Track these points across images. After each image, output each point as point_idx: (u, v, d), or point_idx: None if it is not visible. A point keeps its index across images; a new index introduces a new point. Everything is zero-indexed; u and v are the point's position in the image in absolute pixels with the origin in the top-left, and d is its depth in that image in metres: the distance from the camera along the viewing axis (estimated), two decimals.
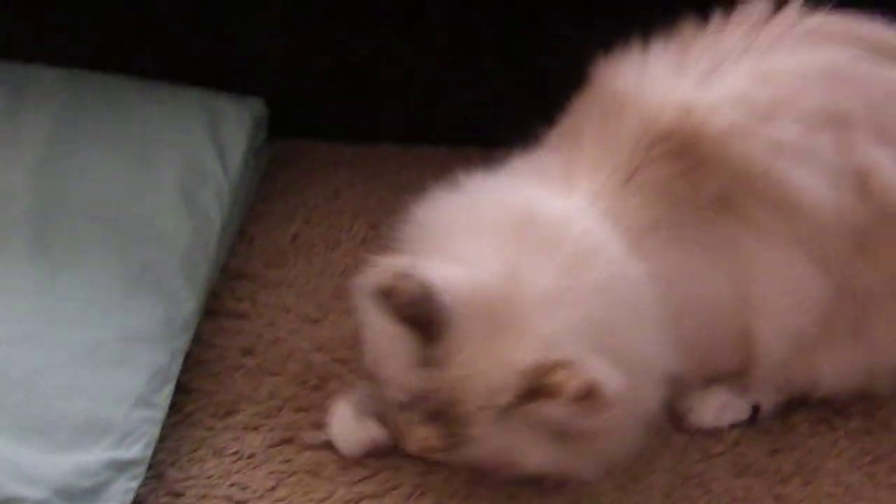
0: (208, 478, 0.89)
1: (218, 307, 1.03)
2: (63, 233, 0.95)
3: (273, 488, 0.88)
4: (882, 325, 0.86)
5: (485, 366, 0.76)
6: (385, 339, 0.80)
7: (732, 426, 0.93)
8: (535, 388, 0.75)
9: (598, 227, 0.81)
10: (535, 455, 0.79)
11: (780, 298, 0.82)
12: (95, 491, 0.79)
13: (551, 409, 0.75)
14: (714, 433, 0.93)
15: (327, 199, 1.17)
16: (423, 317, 0.76)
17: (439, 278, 0.76)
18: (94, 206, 0.98)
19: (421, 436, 0.80)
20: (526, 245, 0.79)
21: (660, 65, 0.85)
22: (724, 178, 0.80)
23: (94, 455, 0.80)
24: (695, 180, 0.81)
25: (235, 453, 0.91)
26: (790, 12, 0.85)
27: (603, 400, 0.73)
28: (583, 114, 0.88)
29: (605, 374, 0.74)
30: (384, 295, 0.75)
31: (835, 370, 0.88)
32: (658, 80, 0.83)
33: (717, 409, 0.92)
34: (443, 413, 0.78)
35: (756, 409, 0.93)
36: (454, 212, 0.84)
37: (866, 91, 0.81)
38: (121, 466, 0.81)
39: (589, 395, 0.73)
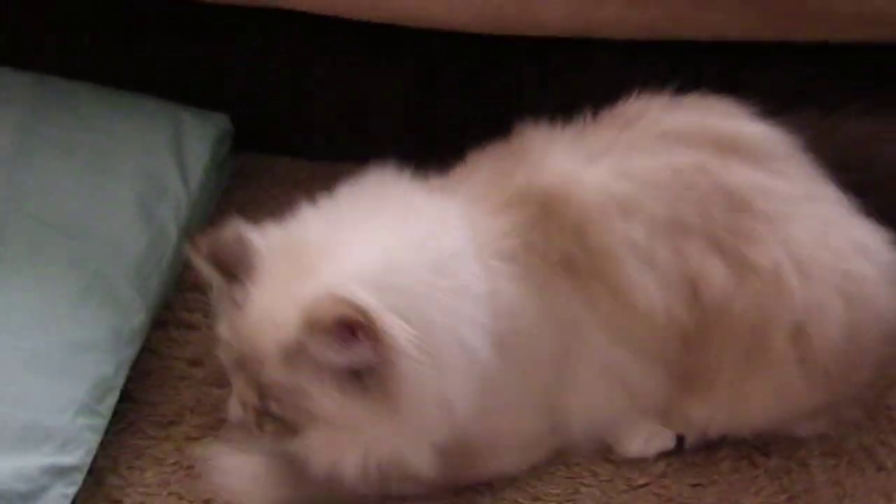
0: (147, 486, 0.91)
1: (169, 317, 1.05)
2: (18, 238, 0.97)
3: (209, 500, 0.91)
4: (722, 389, 0.90)
5: (276, 304, 0.79)
6: (216, 299, 0.83)
7: (659, 456, 0.96)
8: (309, 322, 0.76)
9: (455, 221, 0.85)
10: (325, 401, 0.79)
11: (592, 379, 0.87)
12: (32, 495, 0.81)
13: (321, 342, 0.76)
14: (639, 465, 0.96)
15: (286, 215, 1.20)
16: (231, 260, 0.80)
17: (255, 229, 0.82)
18: (52, 213, 1.00)
19: (237, 390, 0.82)
20: (372, 213, 0.83)
21: (562, 139, 0.90)
22: (575, 248, 0.85)
23: (34, 460, 0.82)
24: (548, 237, 0.85)
25: (175, 463, 0.93)
26: (654, 112, 0.90)
27: (372, 334, 0.74)
28: (490, 154, 0.93)
29: (387, 319, 0.75)
30: (198, 248, 0.81)
31: (699, 420, 0.93)
32: (555, 150, 0.89)
33: (643, 438, 0.96)
34: (245, 360, 0.80)
35: (681, 439, 0.97)
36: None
37: (705, 201, 0.86)
38: (59, 472, 0.84)
39: (353, 327, 0.74)
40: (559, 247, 0.85)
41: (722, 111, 0.91)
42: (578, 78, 1.16)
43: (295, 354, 0.78)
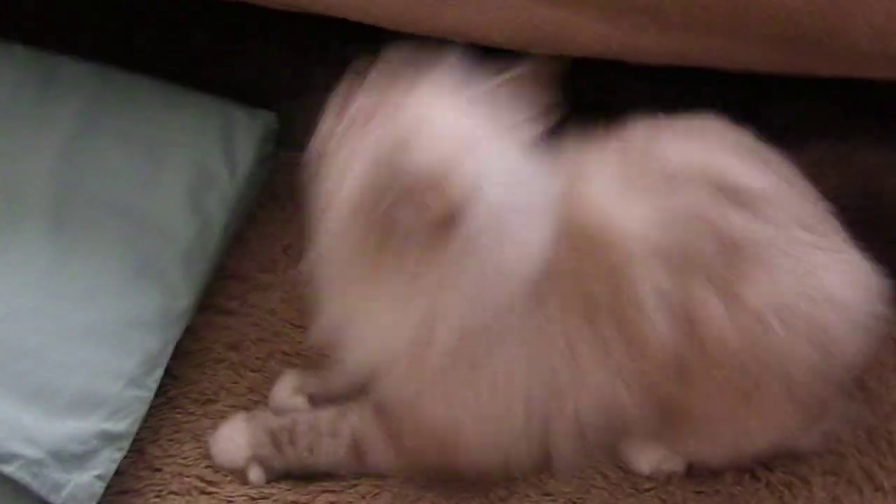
0: (185, 458, 0.97)
1: (210, 303, 1.11)
2: (77, 219, 1.02)
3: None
4: (725, 430, 0.95)
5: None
6: None
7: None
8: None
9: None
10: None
11: (586, 410, 0.91)
12: (85, 457, 0.87)
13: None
14: None
15: None
16: None
17: None
18: (108, 196, 1.05)
19: None
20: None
21: (604, 162, 0.94)
22: (602, 290, 0.88)
23: (87, 425, 0.88)
24: (579, 274, 0.89)
25: None
26: (659, 146, 0.93)
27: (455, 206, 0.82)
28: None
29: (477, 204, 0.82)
30: None
31: (702, 456, 0.99)
32: (601, 177, 0.92)
33: (653, 461, 1.00)
34: None
35: (690, 463, 1.01)
36: None
37: (704, 242, 0.89)
38: (109, 438, 0.89)
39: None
40: (585, 286, 0.88)
41: (722, 146, 0.94)
42: (602, 95, 1.20)
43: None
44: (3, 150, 1.07)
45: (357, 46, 1.26)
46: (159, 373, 0.97)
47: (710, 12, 1.03)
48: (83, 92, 1.15)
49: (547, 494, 0.98)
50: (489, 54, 0.94)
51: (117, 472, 0.91)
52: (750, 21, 1.04)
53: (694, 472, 1.00)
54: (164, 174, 1.10)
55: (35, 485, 0.84)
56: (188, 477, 0.96)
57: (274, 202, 1.25)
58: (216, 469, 0.96)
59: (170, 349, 0.99)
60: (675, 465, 1.00)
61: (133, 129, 1.13)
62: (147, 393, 0.95)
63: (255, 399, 1.03)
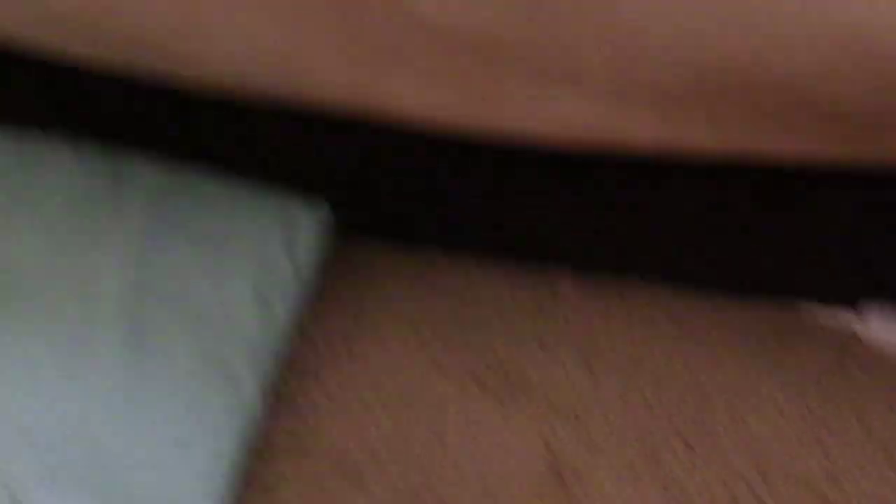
0: None
1: (270, 392, 1.13)
2: (151, 321, 1.06)
3: None
4: None
5: None
6: None
7: None
8: None
9: None
10: None
11: None
12: None
13: None
14: None
15: (378, 303, 1.27)
16: None
17: None
18: (179, 297, 1.09)
19: None
20: None
21: None
22: None
23: None
24: None
25: None
26: None
27: None
28: None
29: None
30: None
31: None
32: None
33: None
34: None
35: None
36: None
37: None
38: None
39: None
40: None
41: None
42: (651, 193, 1.21)
43: None
44: (77, 248, 1.11)
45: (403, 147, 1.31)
46: (229, 467, 1.00)
47: (760, 102, 1.05)
48: (150, 189, 1.20)
49: None
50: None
51: None
52: (797, 108, 1.05)
53: None
54: (230, 272, 1.14)
55: None
56: None
57: (329, 290, 1.27)
58: None
59: (237, 443, 1.02)
60: None
61: (198, 228, 1.17)
62: (218, 489, 0.98)
63: (319, 488, 1.05)
